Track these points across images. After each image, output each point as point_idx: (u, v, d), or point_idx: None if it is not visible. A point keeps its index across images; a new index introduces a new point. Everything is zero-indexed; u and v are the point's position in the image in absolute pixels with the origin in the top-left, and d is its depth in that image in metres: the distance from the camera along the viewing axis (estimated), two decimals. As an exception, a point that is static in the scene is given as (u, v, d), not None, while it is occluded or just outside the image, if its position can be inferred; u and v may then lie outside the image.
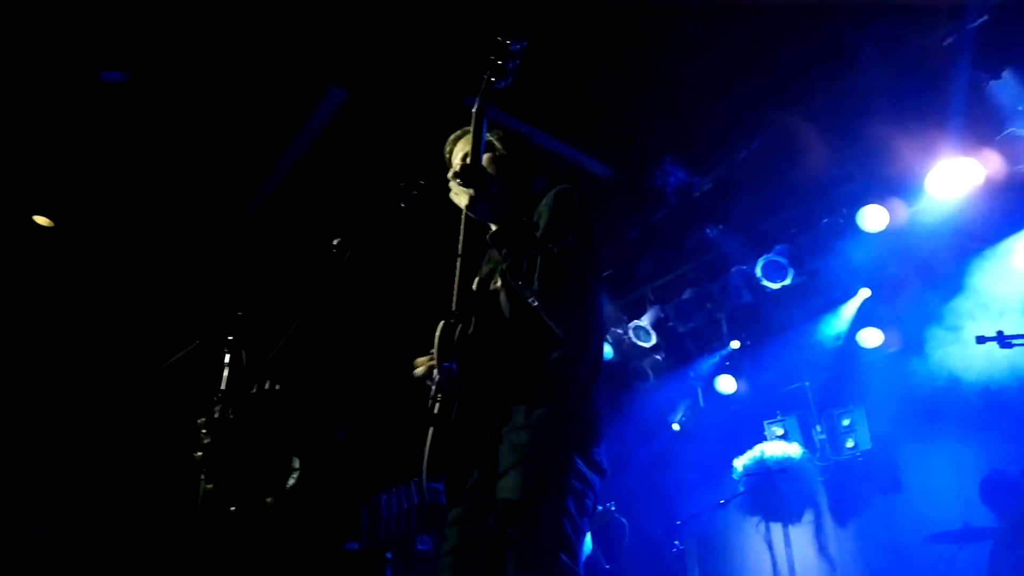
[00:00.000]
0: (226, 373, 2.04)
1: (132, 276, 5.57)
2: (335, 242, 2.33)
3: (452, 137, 2.62)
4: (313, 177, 5.39)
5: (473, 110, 2.24)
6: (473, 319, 2.21)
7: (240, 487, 1.90)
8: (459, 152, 2.56)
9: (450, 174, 2.22)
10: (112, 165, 5.17)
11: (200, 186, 5.40)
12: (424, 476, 2.08)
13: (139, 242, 5.55)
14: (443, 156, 2.63)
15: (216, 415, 1.91)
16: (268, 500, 2.06)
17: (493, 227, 2.23)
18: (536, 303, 2.15)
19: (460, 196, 2.22)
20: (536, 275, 2.11)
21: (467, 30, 3.69)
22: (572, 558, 2.04)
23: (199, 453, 1.87)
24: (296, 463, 2.18)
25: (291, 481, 2.14)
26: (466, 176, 2.19)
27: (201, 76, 4.62)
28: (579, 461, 2.14)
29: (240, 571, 3.82)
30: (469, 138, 2.52)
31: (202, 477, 1.87)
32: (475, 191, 2.18)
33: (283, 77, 4.65)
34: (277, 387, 1.98)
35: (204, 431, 1.88)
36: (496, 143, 2.54)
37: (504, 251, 2.17)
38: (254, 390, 1.97)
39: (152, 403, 4.83)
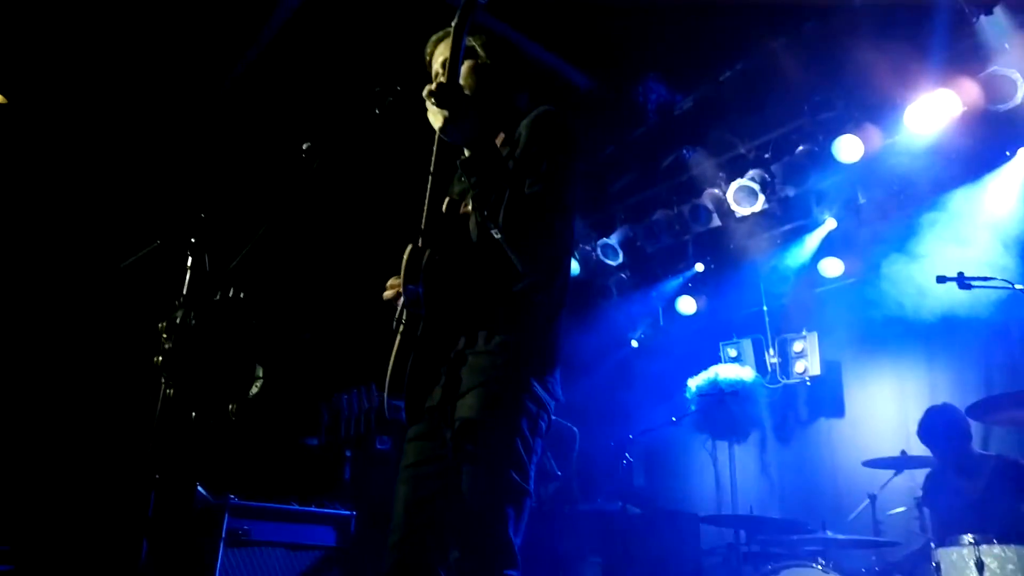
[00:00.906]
0: (188, 277, 1.98)
1: (89, 164, 5.29)
2: (305, 146, 2.22)
3: (434, 38, 2.48)
4: (286, 73, 5.13)
5: (452, 24, 2.12)
6: (441, 241, 2.17)
7: (202, 393, 1.88)
8: (439, 57, 2.44)
9: (424, 92, 2.10)
10: (70, 39, 4.84)
11: (164, 70, 5.11)
12: (386, 392, 2.09)
13: (98, 128, 5.26)
14: (423, 58, 2.50)
15: (177, 320, 1.86)
16: (230, 407, 2.05)
17: (466, 152, 2.15)
18: (500, 237, 2.11)
19: (434, 116, 2.12)
20: (502, 210, 2.06)
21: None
22: (522, 475, 2.11)
23: (159, 358, 1.83)
24: (260, 372, 2.16)
25: (254, 390, 2.13)
26: (440, 96, 2.08)
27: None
28: (536, 385, 2.18)
29: (199, 473, 3.87)
30: (449, 42, 2.40)
31: (162, 382, 1.84)
32: (449, 113, 2.07)
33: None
34: (241, 295, 1.93)
35: (165, 336, 1.84)
36: (479, 49, 2.42)
37: (473, 180, 2.11)
38: (217, 297, 1.92)
39: (109, 303, 4.70)
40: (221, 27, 4.87)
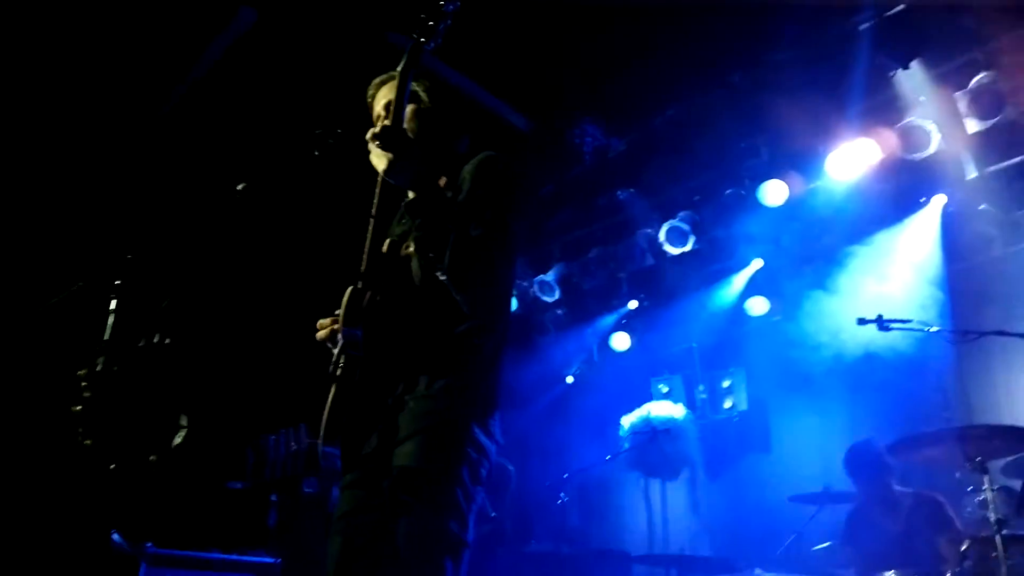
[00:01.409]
0: (111, 321, 1.88)
1: (9, 199, 5.01)
2: (240, 187, 2.16)
3: (376, 81, 2.47)
4: (221, 112, 5.01)
5: (399, 68, 2.11)
6: (382, 284, 2.13)
7: (121, 443, 1.78)
8: (382, 99, 2.42)
9: (369, 135, 2.08)
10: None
11: (94, 103, 4.91)
12: (321, 440, 2.02)
13: (20, 162, 4.99)
14: (365, 100, 2.48)
15: (99, 367, 1.76)
16: (151, 458, 1.94)
17: (411, 194, 2.13)
18: (445, 279, 2.09)
19: (378, 159, 2.09)
20: (448, 253, 2.05)
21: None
22: (461, 526, 2.06)
23: (78, 407, 1.72)
24: (184, 421, 2.06)
25: (177, 439, 2.03)
26: (385, 140, 2.06)
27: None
28: (477, 430, 2.14)
29: (116, 520, 3.66)
30: (393, 84, 2.39)
31: (80, 432, 1.73)
32: (394, 156, 2.05)
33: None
34: (167, 341, 1.84)
35: (84, 384, 1.74)
36: (422, 94, 2.41)
37: (419, 222, 2.09)
38: (142, 343, 1.82)
39: (27, 348, 4.42)
40: (153, 60, 4.73)
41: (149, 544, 3.87)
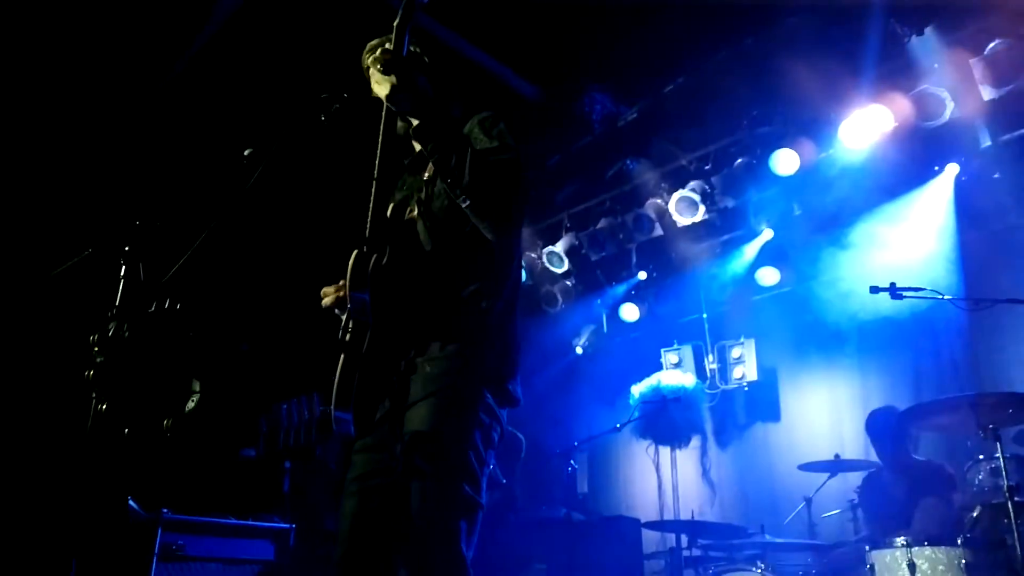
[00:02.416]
0: (121, 287, 1.89)
1: (19, 167, 5.02)
2: (246, 152, 2.16)
3: (369, 46, 2.45)
4: (226, 78, 4.97)
5: (395, 23, 2.10)
6: (387, 248, 2.12)
7: (135, 409, 1.80)
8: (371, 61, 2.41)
9: (370, 59, 2.07)
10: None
11: (100, 69, 4.89)
12: (332, 406, 2.02)
13: (28, 129, 4.99)
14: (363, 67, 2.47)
15: (110, 333, 1.78)
16: (165, 422, 1.97)
17: (415, 121, 2.10)
18: (467, 202, 2.06)
19: (381, 85, 2.08)
20: (467, 168, 2.02)
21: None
22: (475, 488, 2.08)
23: (91, 372, 1.74)
24: (196, 386, 2.08)
25: (190, 404, 2.06)
26: (388, 63, 2.04)
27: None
28: (488, 395, 2.15)
29: (132, 487, 3.72)
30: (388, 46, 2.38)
31: (93, 397, 1.75)
32: (397, 79, 2.04)
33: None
34: (177, 306, 1.85)
35: (96, 348, 1.76)
36: (417, 49, 2.40)
37: (430, 146, 2.07)
38: (152, 308, 1.84)
39: (39, 313, 4.46)
40: (159, 25, 4.70)
41: (165, 510, 3.94)
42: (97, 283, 1.99)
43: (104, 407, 1.74)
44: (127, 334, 1.78)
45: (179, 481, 4.47)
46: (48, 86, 4.91)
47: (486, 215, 2.10)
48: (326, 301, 2.31)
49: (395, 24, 2.10)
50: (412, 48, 2.32)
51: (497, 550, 5.25)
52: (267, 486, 4.97)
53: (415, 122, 2.10)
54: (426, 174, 2.27)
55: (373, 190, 2.14)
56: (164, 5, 4.56)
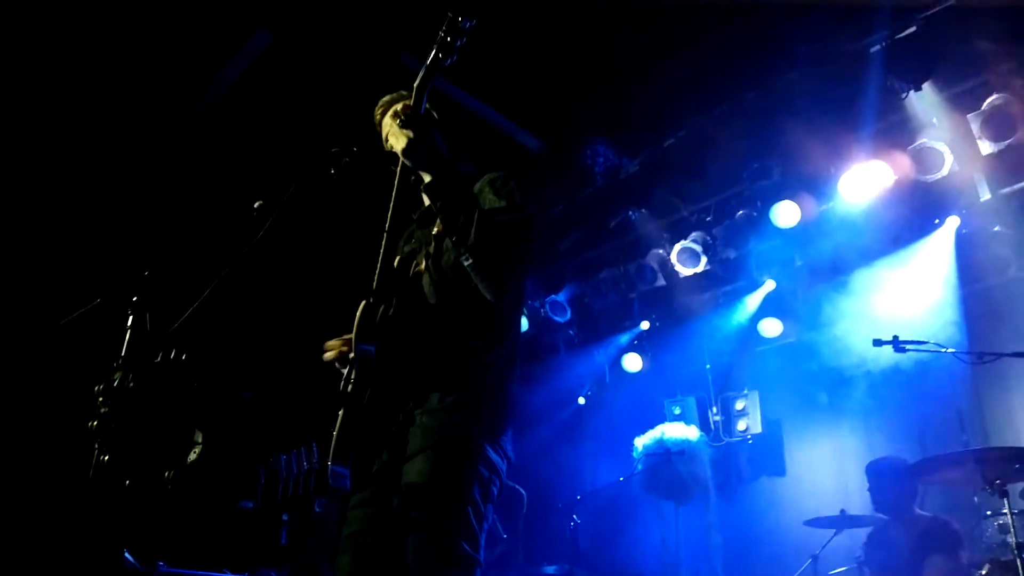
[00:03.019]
0: (128, 337, 1.89)
1: (28, 214, 5.05)
2: (256, 204, 2.18)
3: (383, 101, 2.50)
4: (237, 129, 5.06)
5: (415, 84, 2.14)
6: (394, 300, 2.13)
7: (137, 460, 1.79)
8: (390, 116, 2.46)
9: (390, 112, 2.11)
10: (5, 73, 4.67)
11: (111, 116, 4.97)
12: (330, 459, 2.00)
13: (38, 176, 5.05)
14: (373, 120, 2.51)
15: (115, 383, 1.77)
16: (167, 474, 1.94)
17: (427, 177, 2.14)
18: (470, 261, 2.08)
19: (398, 139, 2.11)
20: (473, 230, 2.05)
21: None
22: (473, 545, 2.04)
23: (94, 422, 1.73)
24: (199, 437, 2.06)
25: (192, 456, 2.03)
26: (406, 118, 2.09)
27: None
28: (488, 448, 2.13)
29: (128, 539, 3.66)
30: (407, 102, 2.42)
31: (96, 448, 1.74)
32: (414, 133, 2.08)
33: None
34: (183, 356, 1.85)
35: (101, 399, 1.75)
36: (432, 112, 2.45)
37: (440, 203, 2.09)
38: (158, 358, 1.84)
39: (45, 364, 4.45)
40: (171, 79, 4.80)
41: (160, 563, 3.87)
42: (104, 333, 1.99)
43: (106, 458, 1.72)
44: (132, 385, 1.78)
45: (176, 533, 4.40)
46: (60, 137, 4.98)
47: (487, 276, 2.12)
48: (328, 356, 2.31)
49: (415, 85, 2.14)
50: (427, 106, 2.36)
51: (498, 607, 5.14)
52: (264, 539, 4.88)
53: (427, 178, 2.13)
54: (435, 228, 2.30)
55: (384, 241, 2.16)
56: (175, 61, 4.66)
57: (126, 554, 3.82)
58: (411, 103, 2.13)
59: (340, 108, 3.85)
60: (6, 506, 4.11)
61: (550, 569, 5.51)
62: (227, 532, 4.86)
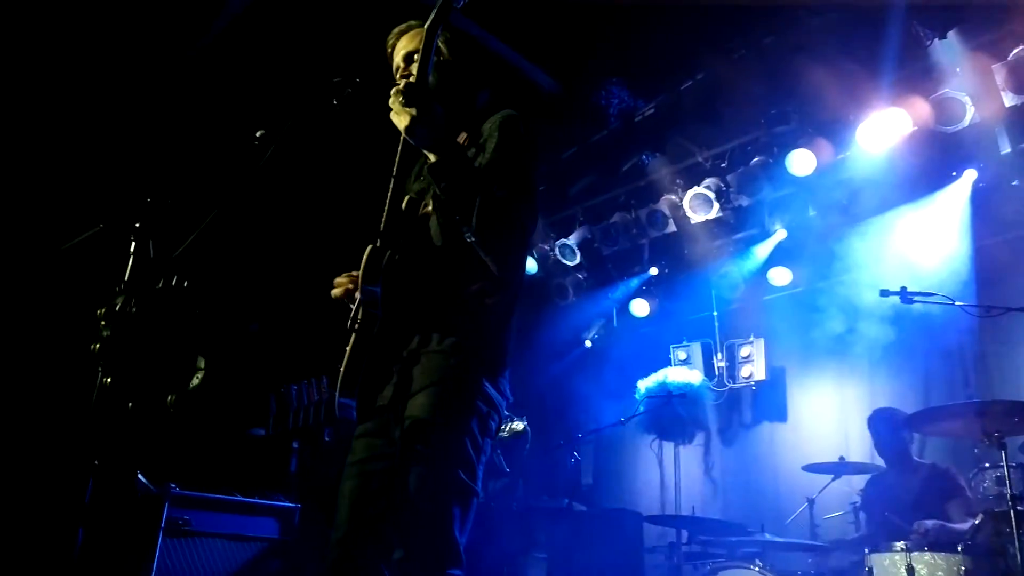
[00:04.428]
0: (131, 263, 1.93)
1: (31, 140, 5.05)
2: (259, 134, 2.19)
3: (396, 31, 2.46)
4: (243, 57, 4.99)
5: (426, 26, 2.09)
6: (401, 243, 2.15)
7: (140, 383, 1.84)
8: (402, 50, 2.42)
9: (393, 91, 2.08)
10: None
11: (115, 42, 4.91)
12: (337, 391, 2.07)
13: (42, 102, 5.03)
14: (385, 50, 2.48)
15: (117, 307, 1.81)
16: (169, 398, 2.01)
17: (431, 157, 2.11)
18: (472, 239, 2.12)
19: (400, 116, 2.08)
20: (475, 216, 2.07)
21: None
22: (470, 475, 2.11)
23: (97, 345, 1.78)
24: (201, 363, 2.12)
25: (195, 381, 2.09)
26: (409, 95, 2.04)
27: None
28: (487, 385, 2.19)
29: (140, 462, 3.78)
30: (414, 35, 2.39)
31: (99, 370, 1.79)
32: (416, 113, 2.03)
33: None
34: (185, 284, 1.89)
35: (103, 323, 1.79)
36: (442, 47, 2.38)
37: (443, 185, 2.10)
38: (160, 284, 1.87)
39: (48, 287, 4.52)
40: (181, 2, 4.72)
41: (172, 485, 4.00)
42: (107, 258, 2.03)
43: (109, 381, 1.78)
44: (134, 310, 1.82)
45: (187, 458, 4.53)
46: (66, 61, 4.94)
47: (488, 252, 2.16)
48: (336, 292, 2.35)
49: (426, 26, 2.10)
50: (439, 43, 2.32)
51: (499, 538, 5.30)
52: (274, 465, 5.02)
53: (432, 157, 2.11)
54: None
55: (391, 186, 2.16)
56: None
57: (139, 475, 3.96)
58: (413, 78, 2.10)
59: (352, 37, 3.78)
60: (15, 428, 4.25)
61: (550, 502, 5.66)
62: (238, 458, 5.00)
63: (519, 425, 4.89)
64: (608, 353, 7.56)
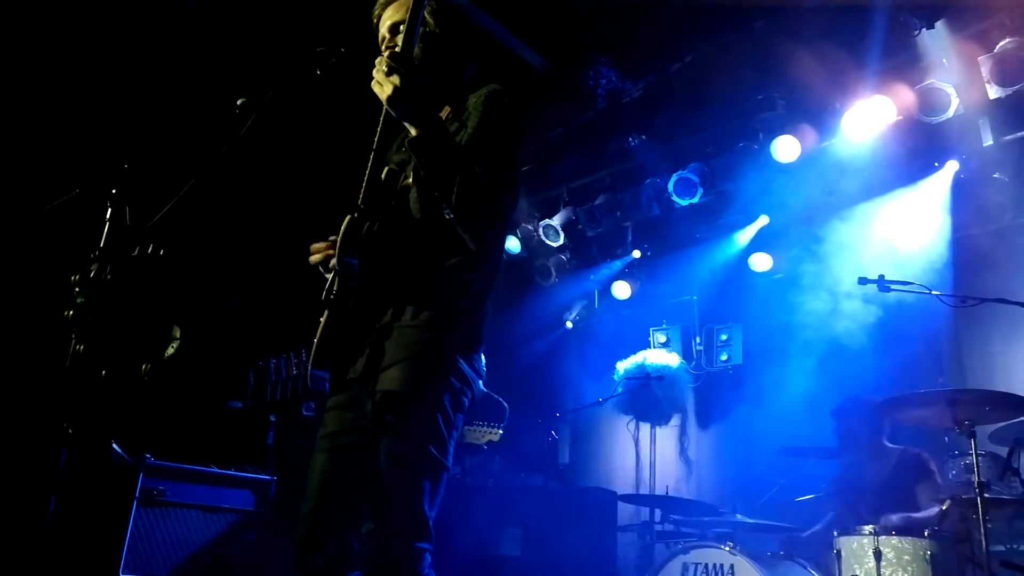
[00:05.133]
0: (106, 229, 1.90)
1: (9, 104, 4.94)
2: (240, 102, 2.15)
3: (382, 0, 2.43)
4: (225, 25, 4.90)
5: None
6: (379, 215, 2.13)
7: (113, 352, 1.82)
8: (388, 20, 2.38)
9: (377, 61, 2.05)
10: None
11: (102, 11, 4.81)
12: (310, 363, 2.06)
13: (15, 61, 4.91)
14: (370, 19, 2.44)
15: (92, 274, 1.79)
16: (143, 367, 1.98)
17: (412, 131, 2.09)
18: (451, 216, 2.10)
19: (383, 86, 2.05)
20: (455, 193, 2.05)
21: None
22: (441, 449, 2.12)
23: (70, 311, 1.76)
24: (176, 332, 2.10)
25: (169, 351, 2.07)
26: (391, 67, 2.01)
27: None
28: (460, 361, 2.18)
29: (115, 431, 3.75)
30: (400, 5, 2.35)
31: (73, 337, 1.77)
32: (399, 84, 2.00)
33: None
34: (161, 252, 1.86)
35: (77, 289, 1.77)
36: (428, 18, 2.35)
37: (423, 159, 2.08)
38: (135, 252, 1.85)
39: (21, 251, 4.44)
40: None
41: (148, 455, 3.99)
42: (82, 224, 2.00)
43: (82, 348, 1.75)
44: (109, 277, 1.80)
45: (163, 428, 4.50)
46: (45, 22, 4.83)
47: (467, 230, 2.15)
48: (314, 259, 2.33)
49: None
50: (428, 8, 2.29)
51: (473, 514, 5.33)
52: (251, 438, 5.01)
53: (412, 131, 2.08)
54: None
55: (372, 158, 2.14)
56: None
57: (114, 444, 3.93)
58: (400, 47, 2.07)
59: (337, 7, 3.71)
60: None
61: (526, 479, 5.70)
62: (215, 430, 4.98)
63: (496, 435, 4.91)
64: (589, 334, 7.60)
